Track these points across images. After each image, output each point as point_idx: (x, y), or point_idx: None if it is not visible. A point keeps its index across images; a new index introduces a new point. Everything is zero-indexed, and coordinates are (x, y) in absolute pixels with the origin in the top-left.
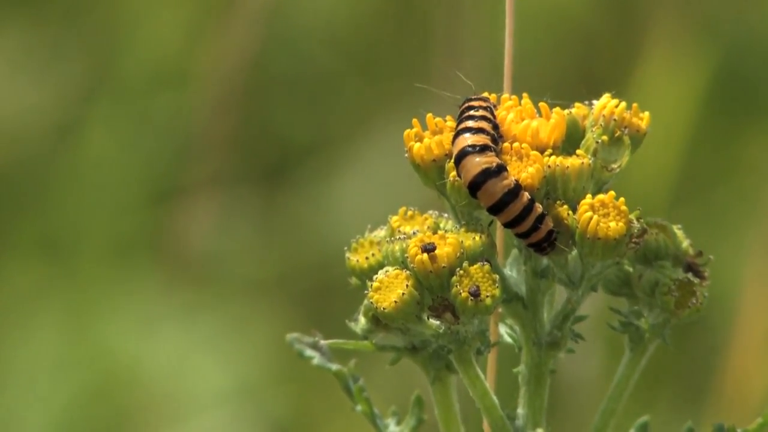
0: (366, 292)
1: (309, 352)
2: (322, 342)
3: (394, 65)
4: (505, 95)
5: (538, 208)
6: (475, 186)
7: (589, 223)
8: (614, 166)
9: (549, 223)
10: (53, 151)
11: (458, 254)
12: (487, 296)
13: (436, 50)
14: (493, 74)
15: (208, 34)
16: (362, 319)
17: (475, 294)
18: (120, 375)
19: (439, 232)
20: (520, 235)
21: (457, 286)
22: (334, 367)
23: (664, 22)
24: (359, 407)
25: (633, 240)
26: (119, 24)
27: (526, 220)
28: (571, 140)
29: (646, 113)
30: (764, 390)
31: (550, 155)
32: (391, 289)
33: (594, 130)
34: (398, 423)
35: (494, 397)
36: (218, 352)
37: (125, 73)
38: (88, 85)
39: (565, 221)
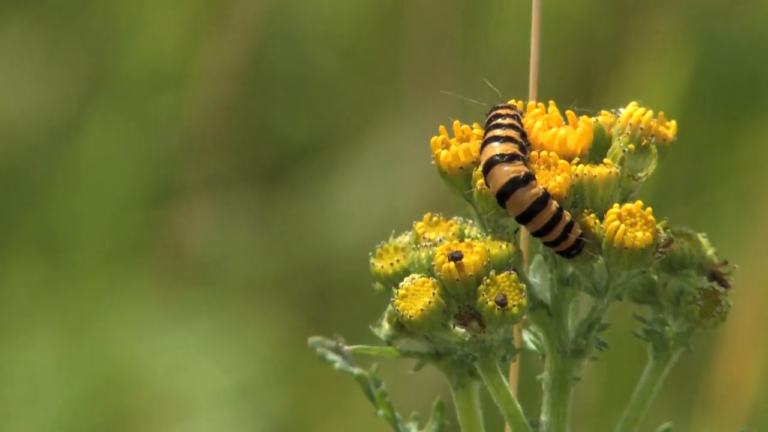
0: (392, 299)
1: (331, 357)
2: (346, 347)
3: (394, 66)
4: (532, 102)
5: (567, 216)
6: (503, 195)
7: (616, 232)
8: (641, 174)
9: (577, 231)
10: (53, 151)
11: (485, 263)
12: (514, 305)
13: (438, 52)
14: (495, 76)
15: (207, 34)
16: (386, 325)
17: (502, 303)
18: (119, 375)
19: (466, 240)
20: (548, 244)
21: (483, 294)
22: (356, 371)
23: (661, 22)
24: (381, 412)
25: (659, 250)
26: (119, 24)
27: (555, 228)
28: (597, 148)
29: (673, 122)
30: (755, 391)
31: (577, 164)
32: (417, 297)
33: (621, 138)
34: (420, 428)
35: (518, 405)
36: (217, 353)
37: (125, 73)
38: (88, 85)
39: (592, 230)
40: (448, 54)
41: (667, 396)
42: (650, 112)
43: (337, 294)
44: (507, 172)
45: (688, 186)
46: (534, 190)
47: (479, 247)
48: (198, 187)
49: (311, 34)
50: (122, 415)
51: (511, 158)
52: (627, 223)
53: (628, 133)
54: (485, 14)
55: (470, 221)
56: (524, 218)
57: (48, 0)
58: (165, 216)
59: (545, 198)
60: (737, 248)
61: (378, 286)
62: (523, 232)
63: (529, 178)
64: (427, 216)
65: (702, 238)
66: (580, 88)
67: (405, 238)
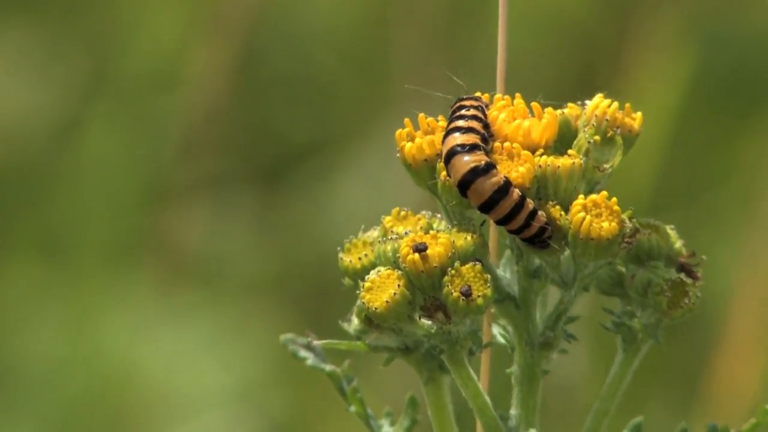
0: (358, 292)
1: (303, 353)
2: (316, 342)
3: (394, 66)
4: (498, 95)
5: (530, 204)
6: (464, 185)
7: (581, 223)
8: (606, 166)
9: (542, 219)
10: (53, 150)
11: (450, 254)
12: (479, 296)
13: (436, 51)
14: (493, 75)
15: (206, 34)
16: (355, 320)
17: (467, 294)
18: (119, 375)
19: (431, 232)
20: (512, 232)
21: (448, 285)
22: (328, 367)
23: (660, 20)
24: (353, 408)
25: (625, 240)
26: (118, 24)
27: (518, 217)
28: (563, 140)
29: (639, 113)
30: (754, 390)
31: (541, 155)
32: (382, 289)
33: (586, 130)
34: (392, 424)
35: (487, 398)
36: (217, 353)
37: (125, 73)
38: (88, 85)
39: (558, 221)
40: (445, 53)
41: (667, 394)
42: (615, 104)
43: (336, 293)
44: (467, 162)
45: (689, 186)
46: (494, 179)
47: (444, 239)
48: (197, 187)
49: (310, 34)
50: (121, 415)
51: (472, 148)
52: (592, 214)
53: (593, 125)
54: (481, 13)
55: (439, 215)
56: (486, 207)
57: (48, 0)
58: (164, 216)
59: (506, 186)
60: (737, 248)
61: (347, 280)
62: (491, 225)
63: (489, 167)
64: (395, 210)
65: (670, 230)
66: (580, 88)
67: (374, 233)
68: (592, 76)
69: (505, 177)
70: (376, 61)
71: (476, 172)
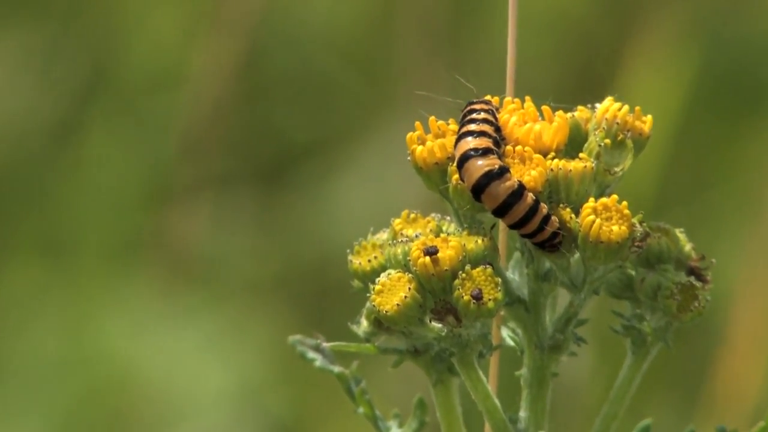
0: (368, 295)
1: (311, 355)
2: (325, 344)
3: (394, 66)
4: (508, 98)
5: (543, 208)
6: (478, 189)
7: (591, 226)
8: (617, 169)
9: (555, 224)
10: (53, 151)
11: (461, 257)
12: (490, 299)
13: (437, 51)
14: (495, 76)
15: (206, 34)
16: (364, 322)
17: (478, 297)
18: (119, 375)
19: (442, 235)
20: (525, 236)
21: (459, 289)
22: (337, 369)
23: (662, 22)
24: (361, 410)
25: (636, 244)
26: (118, 24)
27: (532, 221)
28: (573, 143)
29: (649, 116)
30: (758, 391)
31: (552, 158)
32: (393, 292)
33: (597, 133)
34: (400, 425)
35: (496, 400)
36: (217, 353)
37: (125, 73)
38: (88, 85)
39: (568, 224)
40: (446, 53)
41: (669, 395)
42: (626, 107)
43: (337, 294)
44: (481, 166)
45: (690, 186)
46: (509, 183)
47: (455, 242)
48: (197, 187)
49: (310, 34)
50: (121, 415)
51: (485, 152)
52: (602, 218)
53: (603, 128)
54: (483, 13)
55: (448, 218)
56: (500, 211)
57: (48, 1)
58: (165, 216)
59: (520, 190)
60: (738, 248)
61: (356, 283)
62: (501, 228)
63: (503, 171)
64: (404, 213)
65: (679, 234)
66: (582, 89)
67: (383, 236)
68: (593, 76)
69: (519, 181)
70: (377, 61)
71: (490, 176)
